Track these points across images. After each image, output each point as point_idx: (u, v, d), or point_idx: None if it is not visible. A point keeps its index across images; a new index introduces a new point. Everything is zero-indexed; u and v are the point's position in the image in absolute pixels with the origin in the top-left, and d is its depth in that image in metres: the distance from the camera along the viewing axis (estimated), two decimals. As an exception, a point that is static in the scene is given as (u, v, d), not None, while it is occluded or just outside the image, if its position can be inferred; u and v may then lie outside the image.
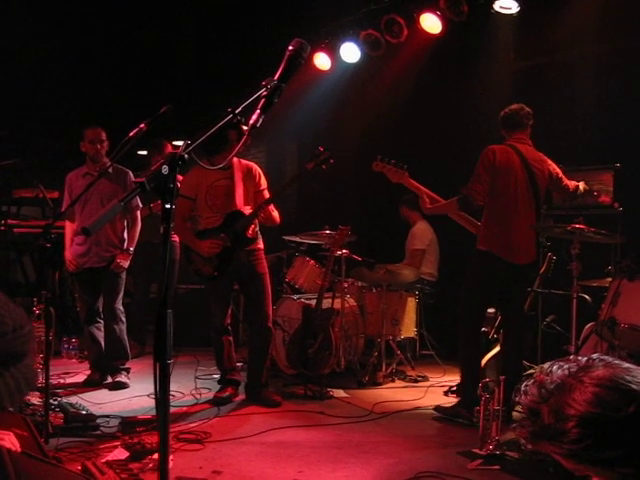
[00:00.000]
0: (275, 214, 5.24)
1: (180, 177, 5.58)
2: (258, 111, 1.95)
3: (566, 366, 1.46)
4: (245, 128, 4.00)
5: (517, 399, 1.51)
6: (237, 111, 1.94)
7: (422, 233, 7.10)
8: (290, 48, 2.04)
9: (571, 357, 1.50)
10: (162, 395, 1.73)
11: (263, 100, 1.95)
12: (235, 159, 5.24)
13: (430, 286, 6.93)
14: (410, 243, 7.15)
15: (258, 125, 1.94)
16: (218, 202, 5.18)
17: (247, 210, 5.19)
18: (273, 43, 4.22)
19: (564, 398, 1.40)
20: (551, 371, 1.47)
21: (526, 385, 1.50)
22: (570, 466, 1.45)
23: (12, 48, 7.93)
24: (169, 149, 6.79)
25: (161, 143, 6.76)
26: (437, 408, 5.00)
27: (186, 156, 1.75)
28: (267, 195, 5.31)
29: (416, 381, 6.10)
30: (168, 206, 1.72)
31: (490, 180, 4.76)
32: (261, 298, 5.24)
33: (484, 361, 5.17)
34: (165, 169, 1.70)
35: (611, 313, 4.40)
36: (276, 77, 1.98)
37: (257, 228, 5.29)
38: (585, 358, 1.47)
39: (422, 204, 5.11)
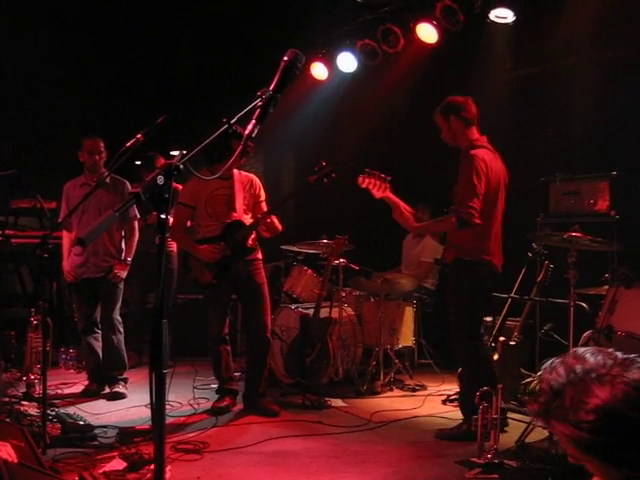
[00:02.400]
0: (277, 222, 5.24)
1: (180, 186, 5.56)
2: (253, 121, 1.96)
3: (600, 357, 1.45)
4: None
5: (540, 374, 1.49)
6: (232, 121, 1.94)
7: (436, 247, 7.03)
8: (285, 59, 2.05)
9: (609, 350, 1.48)
10: (158, 405, 1.73)
11: (258, 110, 1.96)
12: (235, 170, 5.25)
13: (429, 295, 6.93)
14: (422, 254, 7.09)
15: (253, 135, 1.95)
16: (218, 210, 5.18)
17: (247, 219, 5.21)
18: (271, 53, 4.23)
19: (591, 387, 1.39)
20: (584, 357, 1.45)
21: (553, 363, 1.49)
22: (573, 452, 1.43)
23: (10, 59, 7.95)
24: (161, 162, 6.78)
25: (153, 157, 6.74)
26: (441, 435, 4.67)
27: (181, 166, 1.75)
28: (265, 207, 5.32)
29: (414, 390, 6.08)
30: (163, 216, 1.73)
31: (485, 192, 4.49)
32: (260, 308, 5.24)
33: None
34: (160, 179, 1.70)
35: (608, 321, 4.39)
36: (271, 87, 1.99)
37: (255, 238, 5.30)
38: (623, 355, 1.45)
39: (404, 222, 4.69)
